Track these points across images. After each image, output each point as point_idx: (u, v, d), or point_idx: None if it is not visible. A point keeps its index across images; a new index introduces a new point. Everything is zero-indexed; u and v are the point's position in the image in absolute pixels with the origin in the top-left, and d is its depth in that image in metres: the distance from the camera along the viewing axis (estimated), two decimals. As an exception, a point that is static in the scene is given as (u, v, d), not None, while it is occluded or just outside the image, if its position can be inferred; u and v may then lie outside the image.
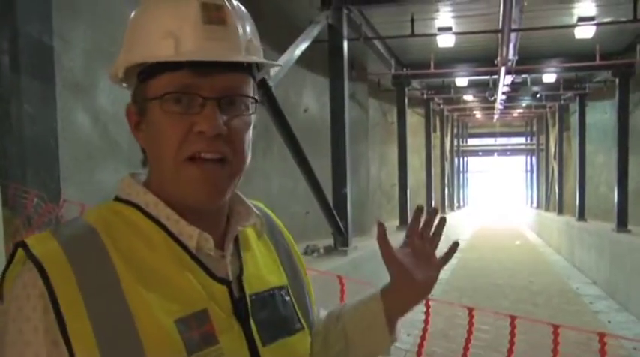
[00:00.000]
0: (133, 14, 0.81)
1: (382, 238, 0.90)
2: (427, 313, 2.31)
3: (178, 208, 0.78)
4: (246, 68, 0.79)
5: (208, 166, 0.76)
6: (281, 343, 0.83)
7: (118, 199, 0.82)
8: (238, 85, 0.78)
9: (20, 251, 0.71)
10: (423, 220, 0.94)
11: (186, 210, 0.79)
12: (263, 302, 0.84)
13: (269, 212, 1.01)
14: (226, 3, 0.78)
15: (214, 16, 0.76)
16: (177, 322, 0.72)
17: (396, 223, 11.70)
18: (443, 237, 0.98)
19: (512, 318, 2.05)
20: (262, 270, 0.88)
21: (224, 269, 0.81)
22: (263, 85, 4.96)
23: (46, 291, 0.67)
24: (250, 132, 0.81)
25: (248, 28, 0.80)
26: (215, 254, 0.80)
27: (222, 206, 0.84)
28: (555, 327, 1.93)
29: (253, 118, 0.81)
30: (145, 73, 0.77)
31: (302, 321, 0.90)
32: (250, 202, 0.90)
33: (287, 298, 0.89)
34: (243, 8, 0.82)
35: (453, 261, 14.72)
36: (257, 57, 0.81)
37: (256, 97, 0.81)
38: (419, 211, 0.94)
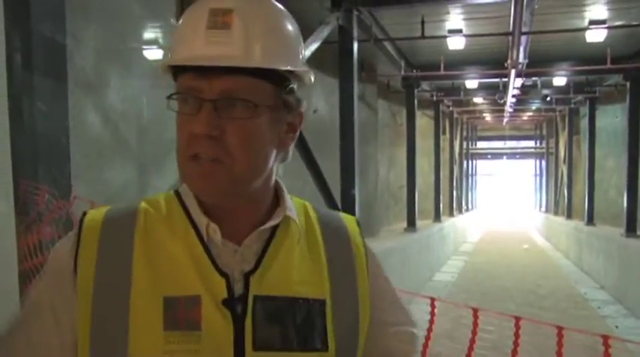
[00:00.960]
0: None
1: None
2: (432, 313, 2.31)
3: (208, 205, 0.85)
4: (255, 72, 0.78)
5: (204, 164, 0.79)
6: (281, 355, 0.79)
7: (176, 190, 0.90)
8: (238, 88, 0.78)
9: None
10: None
11: (212, 206, 0.84)
12: (273, 307, 0.80)
13: (344, 221, 0.96)
14: (238, 7, 0.79)
15: (219, 20, 0.78)
16: (165, 299, 0.78)
17: (404, 224, 11.69)
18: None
19: (517, 319, 2.05)
20: (292, 276, 0.84)
21: (232, 263, 0.82)
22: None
23: (75, 241, 0.83)
24: (259, 136, 0.80)
25: (260, 31, 0.80)
26: (228, 247, 0.83)
27: (247, 203, 0.85)
28: (560, 329, 1.93)
29: (263, 121, 0.81)
30: (175, 73, 0.83)
31: (330, 342, 0.83)
32: (293, 204, 0.90)
33: (317, 312, 0.83)
34: (265, 12, 0.83)
35: (460, 264, 14.74)
36: (266, 60, 0.79)
37: (263, 102, 0.80)
38: None
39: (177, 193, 0.88)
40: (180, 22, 0.84)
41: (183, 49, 0.80)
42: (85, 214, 0.87)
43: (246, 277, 0.81)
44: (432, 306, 2.33)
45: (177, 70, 0.81)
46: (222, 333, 0.78)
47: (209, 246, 0.82)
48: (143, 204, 0.87)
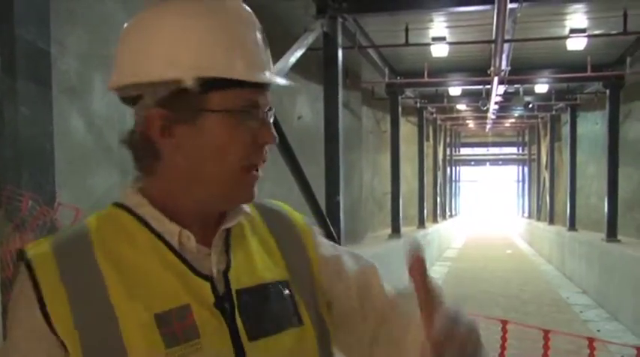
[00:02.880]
0: (186, 25, 0.80)
1: (414, 251, 0.69)
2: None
3: (180, 213, 0.83)
4: None
5: (257, 173, 0.85)
6: (271, 339, 0.83)
7: (116, 203, 0.86)
8: (270, 99, 0.86)
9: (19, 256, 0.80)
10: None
11: (190, 214, 0.84)
12: (253, 297, 0.84)
13: (280, 207, 1.02)
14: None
15: (262, 38, 0.85)
16: (157, 316, 0.75)
17: (388, 231, 11.72)
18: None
19: (504, 323, 2.07)
20: (256, 265, 0.88)
21: (208, 265, 0.83)
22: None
23: (32, 286, 0.75)
24: None
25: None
26: (201, 252, 0.83)
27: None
28: (546, 332, 1.96)
29: None
30: (209, 84, 0.78)
31: (303, 317, 0.88)
32: (272, 203, 0.99)
33: (286, 293, 0.88)
34: None
35: (445, 270, 14.81)
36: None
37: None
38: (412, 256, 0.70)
39: (121, 206, 0.84)
40: (222, 32, 0.81)
41: (241, 65, 0.80)
42: (22, 253, 0.79)
43: (225, 275, 0.84)
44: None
45: (219, 83, 0.78)
46: (219, 334, 0.79)
47: (182, 253, 0.81)
48: (89, 224, 0.83)
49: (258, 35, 0.85)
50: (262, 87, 0.83)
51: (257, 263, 0.88)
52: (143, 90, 0.80)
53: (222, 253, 0.85)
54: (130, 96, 0.83)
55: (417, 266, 0.69)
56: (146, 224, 0.82)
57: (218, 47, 0.80)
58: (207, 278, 0.81)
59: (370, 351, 0.92)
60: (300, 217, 1.02)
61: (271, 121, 0.86)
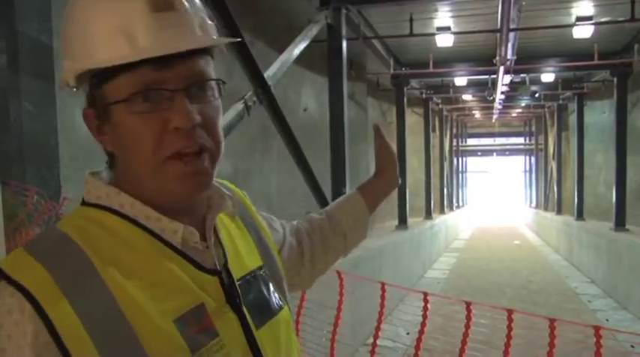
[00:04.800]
0: (66, 16, 0.75)
1: (378, 129, 1.23)
2: (425, 308, 2.32)
3: (157, 205, 0.76)
4: (205, 49, 0.76)
5: (190, 159, 0.73)
6: (270, 324, 0.84)
7: (86, 203, 0.78)
8: (203, 69, 0.75)
9: None
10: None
11: (166, 206, 0.77)
12: (248, 286, 0.84)
13: (235, 189, 0.99)
14: None
15: (161, 2, 0.72)
16: (176, 322, 0.70)
17: (395, 222, 11.71)
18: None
19: (509, 312, 2.06)
20: (241, 253, 0.87)
21: (211, 260, 0.80)
22: (262, 84, 4.97)
23: (36, 313, 0.64)
24: (221, 116, 0.80)
25: (197, 5, 0.77)
26: (200, 246, 0.79)
27: (202, 196, 0.83)
28: (552, 321, 1.95)
29: (220, 101, 0.79)
30: (99, 77, 0.72)
31: (281, 298, 0.90)
32: (219, 183, 0.87)
33: (266, 277, 0.89)
34: None
35: (452, 261, 14.79)
36: (213, 35, 0.78)
37: (221, 79, 0.78)
38: (377, 129, 1.24)
39: (102, 207, 0.76)
40: (92, 14, 0.72)
41: (123, 43, 0.70)
42: (7, 278, 0.66)
43: (226, 267, 0.82)
44: (425, 300, 2.33)
45: (109, 72, 0.71)
46: (233, 328, 0.78)
47: (183, 250, 0.77)
48: (70, 234, 0.72)
49: (166, 1, 0.72)
50: (173, 60, 0.71)
51: (241, 251, 0.87)
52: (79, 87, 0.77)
53: (217, 245, 0.83)
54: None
55: (377, 130, 1.24)
56: (137, 224, 0.75)
57: (99, 30, 0.71)
58: (215, 273, 0.79)
59: (312, 272, 1.14)
60: (242, 193, 1.00)
61: (214, 98, 0.77)
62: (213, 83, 0.77)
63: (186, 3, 0.74)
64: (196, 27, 0.75)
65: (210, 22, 0.78)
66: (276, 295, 0.89)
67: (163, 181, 0.74)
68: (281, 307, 0.88)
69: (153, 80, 0.71)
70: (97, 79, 0.72)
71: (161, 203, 0.77)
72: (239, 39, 0.84)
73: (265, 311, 0.84)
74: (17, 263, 0.68)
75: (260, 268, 0.89)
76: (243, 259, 0.87)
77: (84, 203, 0.78)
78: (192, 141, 0.73)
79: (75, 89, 0.77)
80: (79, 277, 0.67)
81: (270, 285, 0.89)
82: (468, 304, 2.20)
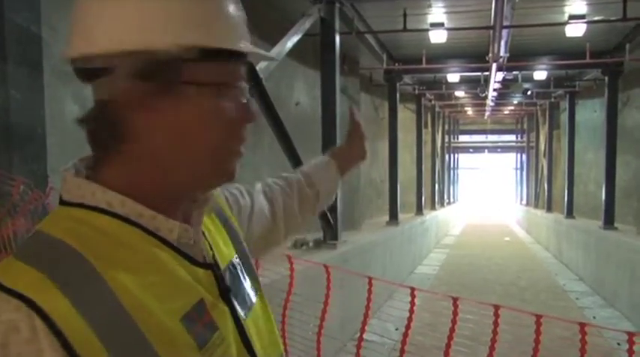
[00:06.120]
0: None
1: (353, 109, 1.40)
2: (412, 303, 2.33)
3: (151, 201, 0.73)
4: None
5: (240, 150, 0.79)
6: (253, 312, 0.86)
7: (66, 202, 0.73)
8: None
9: None
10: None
11: (163, 201, 0.75)
12: (232, 277, 0.85)
13: None
14: None
15: (240, 8, 0.79)
16: (183, 320, 0.69)
17: (386, 218, 11.73)
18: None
19: (496, 308, 2.07)
20: (220, 244, 0.87)
21: (200, 254, 0.79)
22: (254, 78, 4.95)
23: (48, 329, 0.59)
24: None
25: None
26: (191, 241, 0.78)
27: None
28: (538, 317, 1.95)
29: None
30: (191, 55, 0.70)
31: (254, 285, 0.91)
32: None
33: (241, 266, 0.90)
34: None
35: (442, 257, 14.86)
36: None
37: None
38: (352, 111, 1.40)
39: (86, 207, 0.71)
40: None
41: (235, 34, 0.75)
42: (8, 291, 0.60)
43: (215, 260, 0.82)
44: (412, 296, 2.34)
45: (207, 54, 0.71)
46: (227, 318, 0.78)
47: (178, 246, 0.75)
48: (59, 235, 0.68)
49: (236, 4, 0.78)
50: (242, 61, 0.77)
51: (219, 242, 0.88)
52: (115, 60, 0.69)
53: (203, 238, 0.83)
54: (93, 68, 0.71)
55: (352, 112, 1.40)
56: (129, 222, 0.72)
57: (196, 13, 0.71)
58: (208, 267, 0.78)
59: (287, 227, 1.22)
60: None
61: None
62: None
63: None
64: None
65: None
66: (249, 282, 0.90)
67: (223, 165, 0.77)
68: (256, 294, 0.90)
69: (238, 74, 0.76)
70: (189, 55, 0.70)
71: (162, 197, 0.75)
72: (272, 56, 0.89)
73: (247, 300, 0.86)
74: (15, 274, 0.63)
75: (235, 257, 0.90)
76: (223, 249, 0.87)
77: (64, 203, 0.73)
78: (245, 140, 0.78)
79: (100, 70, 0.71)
80: (84, 283, 0.64)
81: (245, 272, 0.90)
82: (455, 300, 2.20)
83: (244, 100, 0.77)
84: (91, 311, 0.62)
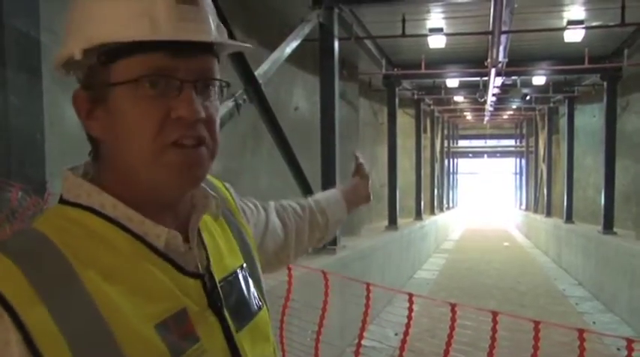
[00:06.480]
0: None
1: (357, 153, 1.46)
2: (410, 309, 2.32)
3: (141, 204, 0.74)
4: (214, 52, 0.77)
5: (189, 151, 0.73)
6: (250, 326, 0.83)
7: (64, 201, 0.75)
8: (211, 68, 0.76)
9: None
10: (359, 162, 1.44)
11: (151, 204, 0.75)
12: (230, 288, 0.82)
13: (219, 185, 0.99)
14: None
15: None
16: (157, 327, 0.68)
17: (385, 223, 11.72)
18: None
19: (494, 314, 2.06)
20: (223, 254, 0.86)
21: (193, 262, 0.78)
22: (253, 83, 4.95)
23: (11, 321, 0.60)
24: (219, 117, 0.79)
25: (213, 9, 0.78)
26: (182, 248, 0.76)
27: (187, 195, 0.81)
28: (537, 323, 1.95)
29: (218, 103, 0.79)
30: (110, 53, 0.70)
31: (260, 298, 0.90)
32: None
33: (246, 277, 0.88)
34: None
35: (441, 262, 14.84)
36: (225, 37, 0.79)
37: (227, 81, 0.79)
38: (357, 158, 1.45)
39: (81, 206, 0.73)
40: None
41: (146, 25, 0.69)
42: None
43: (209, 270, 0.80)
44: (410, 302, 2.33)
45: (121, 51, 0.69)
46: (214, 330, 0.76)
47: (167, 253, 0.75)
48: (48, 234, 0.68)
49: None
50: (187, 52, 0.71)
51: (223, 251, 0.86)
52: (77, 72, 0.74)
53: (199, 246, 0.81)
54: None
55: (358, 160, 1.43)
56: (118, 225, 0.72)
57: (122, 8, 0.70)
58: (197, 276, 0.77)
59: (297, 249, 1.25)
60: (225, 187, 1.01)
61: (214, 93, 0.76)
62: (217, 83, 0.77)
63: (206, 3, 0.75)
64: (212, 24, 0.76)
65: (222, 26, 0.79)
66: (255, 294, 0.88)
67: (160, 170, 0.72)
68: (260, 308, 0.87)
69: (165, 66, 0.70)
70: (107, 56, 0.70)
71: (147, 200, 0.75)
72: (248, 45, 0.83)
73: (245, 313, 0.84)
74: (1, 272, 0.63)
75: (241, 267, 0.88)
76: (225, 259, 0.85)
77: (63, 201, 0.75)
78: (193, 132, 0.72)
79: (70, 72, 0.76)
80: (58, 280, 0.64)
81: (250, 284, 0.88)
82: (453, 306, 2.20)
83: (176, 96, 0.71)
84: (61, 309, 0.62)
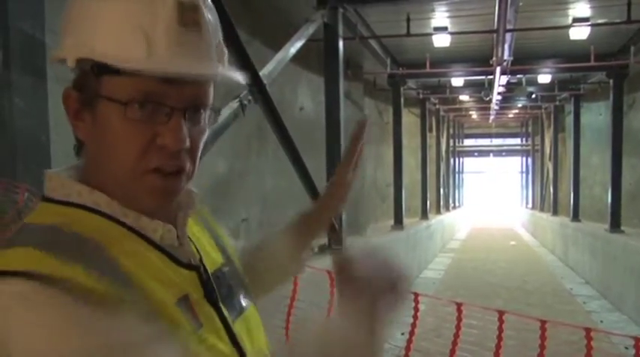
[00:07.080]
0: None
1: (363, 126, 1.09)
2: (416, 309, 2.32)
3: (131, 203, 0.74)
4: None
5: (169, 178, 0.72)
6: (243, 317, 0.85)
7: (50, 200, 0.73)
8: (205, 94, 0.74)
9: None
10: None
11: (137, 205, 0.75)
12: (221, 281, 0.84)
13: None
14: (201, 3, 0.71)
15: (190, 17, 0.69)
16: (177, 303, 0.71)
17: (391, 222, 11.71)
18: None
19: (501, 313, 2.05)
20: (208, 249, 0.87)
21: (186, 256, 0.79)
22: (257, 83, 4.95)
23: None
24: (204, 138, 0.78)
25: (217, 27, 0.75)
26: (175, 243, 0.79)
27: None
28: (543, 322, 1.94)
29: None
30: (103, 68, 0.68)
31: (247, 295, 0.90)
32: None
33: (231, 273, 0.89)
34: (212, 6, 0.75)
35: (448, 261, 14.81)
36: (225, 63, 0.77)
37: (218, 108, 0.78)
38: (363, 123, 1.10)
39: (73, 205, 0.72)
40: (118, 2, 0.68)
41: (141, 45, 0.67)
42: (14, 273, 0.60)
43: (202, 263, 0.82)
44: (416, 301, 2.32)
45: (114, 69, 0.67)
46: (214, 320, 0.78)
47: (162, 246, 0.76)
48: (58, 224, 0.68)
49: (194, 18, 0.70)
50: (179, 80, 0.69)
51: (207, 247, 0.88)
52: (74, 69, 0.73)
53: (189, 242, 0.83)
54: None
55: (363, 126, 1.09)
56: (115, 221, 0.73)
57: (120, 22, 0.68)
58: (193, 268, 0.79)
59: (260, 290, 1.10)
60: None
61: (204, 123, 0.75)
62: (214, 110, 0.76)
63: (209, 25, 0.72)
64: (213, 51, 0.73)
65: (224, 48, 0.77)
66: (241, 293, 0.89)
67: (138, 189, 0.72)
68: (248, 304, 0.89)
69: (157, 92, 0.68)
70: (100, 69, 0.68)
71: (135, 203, 0.75)
72: (242, 81, 0.80)
73: (236, 305, 0.85)
74: (7, 258, 0.62)
75: (224, 264, 0.89)
76: (211, 254, 0.87)
77: (48, 200, 0.73)
78: (175, 161, 0.72)
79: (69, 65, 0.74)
80: (93, 255, 0.65)
81: (235, 280, 0.90)
82: (459, 306, 2.19)
83: (164, 124, 0.70)
84: (96, 269, 0.63)
